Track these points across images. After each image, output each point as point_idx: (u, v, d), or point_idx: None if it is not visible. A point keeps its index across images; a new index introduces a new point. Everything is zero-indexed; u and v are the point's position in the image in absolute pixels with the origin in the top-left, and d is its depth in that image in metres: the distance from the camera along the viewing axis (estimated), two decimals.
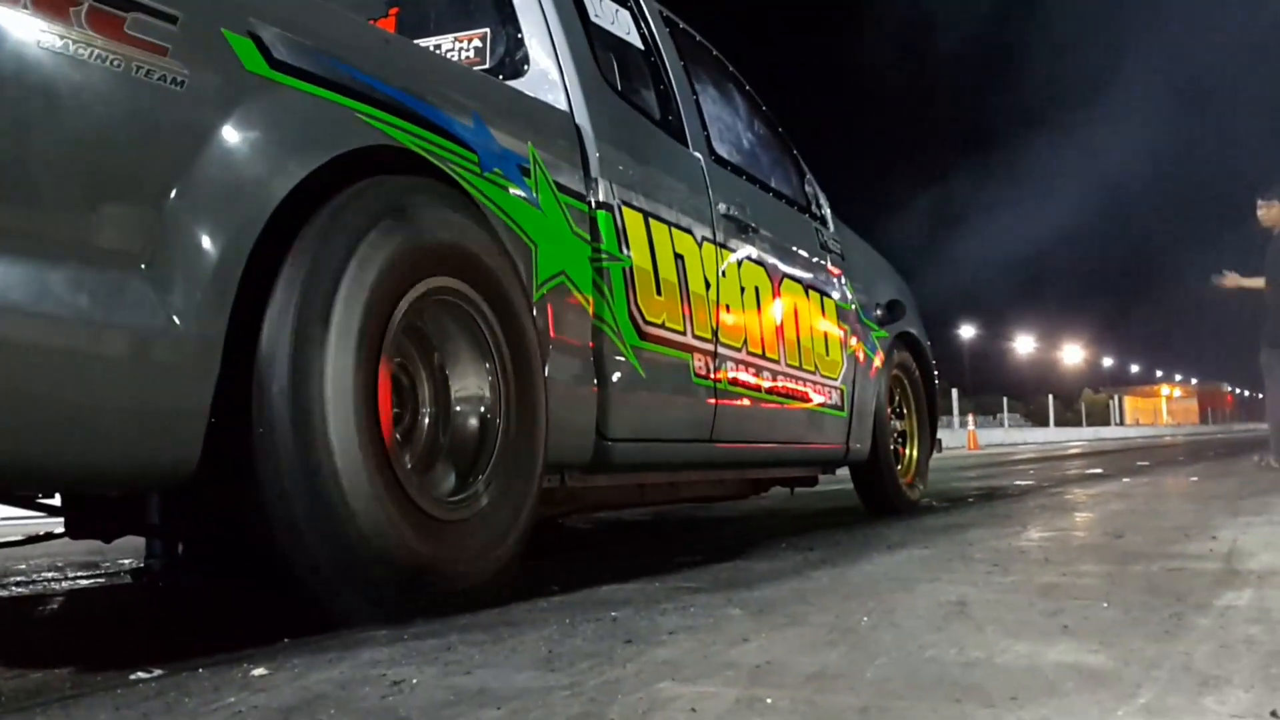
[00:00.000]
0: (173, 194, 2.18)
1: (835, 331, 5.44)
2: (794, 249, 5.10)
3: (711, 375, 4.14)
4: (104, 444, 2.09)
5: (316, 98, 2.57)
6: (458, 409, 2.91)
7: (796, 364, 4.91)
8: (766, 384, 4.61)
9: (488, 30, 3.86)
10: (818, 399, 5.14)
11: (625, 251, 3.64)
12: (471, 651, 2.16)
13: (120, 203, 2.12)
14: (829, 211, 5.80)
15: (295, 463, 2.33)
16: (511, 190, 3.17)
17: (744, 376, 4.40)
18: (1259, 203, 9.77)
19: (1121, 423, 77.02)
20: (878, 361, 5.92)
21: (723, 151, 4.66)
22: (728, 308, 4.30)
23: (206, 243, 2.21)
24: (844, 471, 5.93)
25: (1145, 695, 1.68)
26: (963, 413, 37.39)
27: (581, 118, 3.66)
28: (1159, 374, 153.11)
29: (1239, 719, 1.54)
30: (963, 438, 30.01)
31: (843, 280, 5.64)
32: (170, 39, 2.21)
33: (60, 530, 3.06)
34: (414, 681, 1.90)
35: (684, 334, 3.96)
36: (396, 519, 2.49)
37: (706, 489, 4.99)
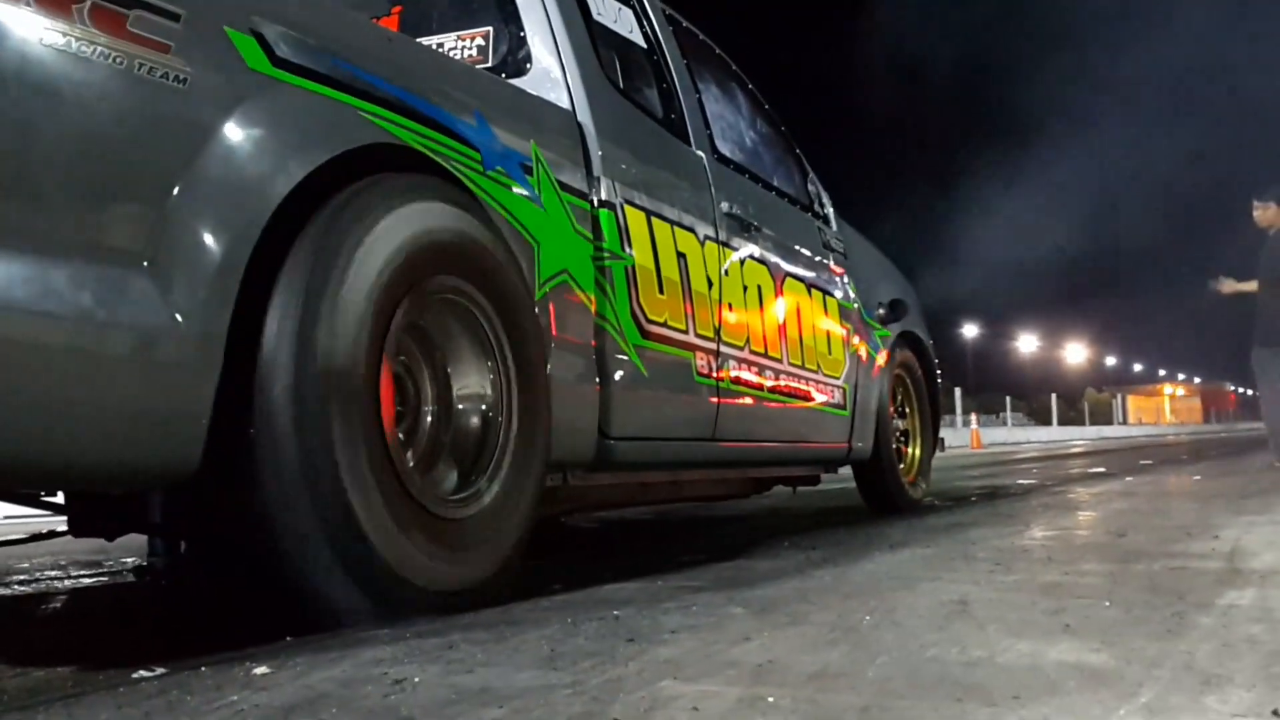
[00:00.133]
0: (175, 192, 2.18)
1: (838, 330, 5.44)
2: (797, 248, 5.10)
3: (714, 374, 4.14)
4: (106, 442, 2.09)
5: (319, 96, 2.57)
6: (460, 407, 2.91)
7: (799, 363, 4.90)
8: (769, 383, 4.61)
9: (490, 28, 3.86)
10: (820, 398, 5.14)
11: (628, 250, 3.64)
12: (474, 650, 2.15)
13: (123, 200, 2.12)
14: (832, 210, 5.80)
15: (297, 461, 2.33)
16: (514, 188, 3.17)
17: (746, 375, 4.40)
18: (1255, 203, 9.76)
19: (1125, 422, 77.00)
20: (880, 360, 5.92)
21: (725, 150, 4.66)
22: (730, 306, 4.30)
23: (209, 241, 2.21)
24: (846, 470, 5.93)
25: (1147, 694, 1.67)
26: (966, 411, 37.44)
27: (584, 116, 3.66)
28: (1162, 373, 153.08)
29: (1241, 718, 1.54)
30: (966, 437, 30.03)
31: (845, 279, 5.64)
32: (173, 36, 2.21)
33: (63, 528, 3.07)
34: (416, 680, 1.90)
35: (686, 333, 3.96)
36: (398, 517, 2.49)
37: (709, 488, 4.99)
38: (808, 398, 5.01)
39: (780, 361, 4.72)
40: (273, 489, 2.33)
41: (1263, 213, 9.73)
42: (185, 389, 2.18)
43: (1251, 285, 9.77)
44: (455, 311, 2.88)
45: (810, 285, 5.16)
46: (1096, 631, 2.17)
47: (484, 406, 2.93)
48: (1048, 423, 53.23)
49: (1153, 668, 1.84)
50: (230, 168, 2.29)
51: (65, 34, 2.03)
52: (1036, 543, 3.97)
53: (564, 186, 3.41)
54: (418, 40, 3.69)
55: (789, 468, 5.37)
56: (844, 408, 5.42)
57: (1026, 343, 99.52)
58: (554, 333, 3.26)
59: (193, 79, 2.25)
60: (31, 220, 1.98)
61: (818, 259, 5.36)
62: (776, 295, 4.76)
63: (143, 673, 2.10)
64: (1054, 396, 55.66)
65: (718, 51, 5.18)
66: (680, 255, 3.96)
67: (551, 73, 3.71)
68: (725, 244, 4.33)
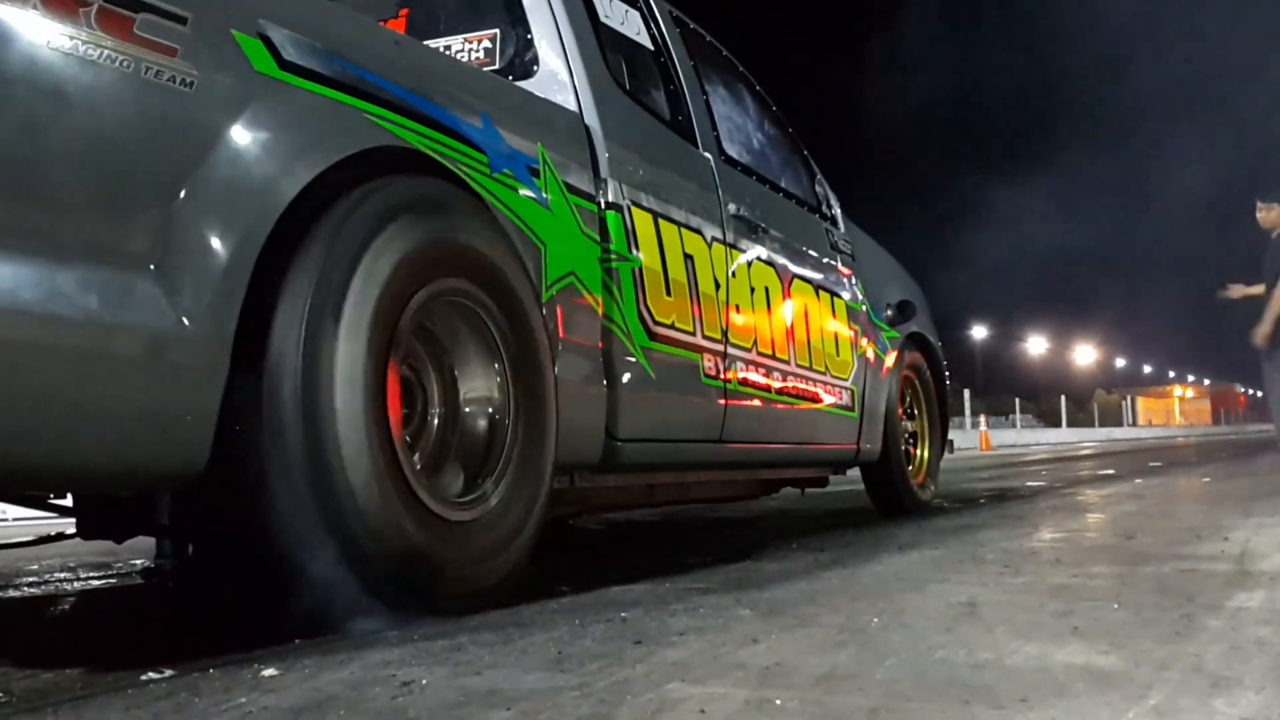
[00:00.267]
0: (182, 195, 2.18)
1: (846, 332, 5.43)
2: (804, 249, 5.10)
3: (721, 376, 4.13)
4: (113, 444, 2.09)
5: (326, 99, 2.57)
6: (467, 410, 2.91)
7: (807, 364, 4.90)
8: (777, 384, 4.61)
9: (497, 31, 3.86)
10: (828, 399, 5.13)
11: (635, 252, 3.63)
12: (481, 652, 2.16)
13: (129, 203, 2.13)
14: (839, 211, 5.79)
15: (305, 463, 2.33)
16: (521, 191, 3.17)
17: (754, 377, 4.40)
18: (1258, 204, 9.73)
19: (1134, 423, 76.87)
20: (888, 362, 5.91)
21: (733, 152, 4.66)
22: (737, 308, 4.29)
23: (216, 243, 2.22)
24: (855, 472, 5.92)
25: (1155, 697, 1.67)
26: (974, 413, 37.37)
27: (591, 118, 3.66)
28: (1171, 374, 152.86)
29: None
30: (974, 438, 29.97)
31: (853, 281, 5.63)
32: (180, 40, 2.22)
33: (71, 531, 3.07)
34: (424, 682, 1.90)
35: (694, 334, 3.95)
36: (405, 519, 2.49)
37: (716, 489, 4.99)
38: (815, 399, 5.01)
39: (788, 363, 4.71)
40: (280, 491, 2.33)
41: (1266, 214, 9.70)
42: (192, 391, 2.18)
43: (1260, 289, 9.75)
44: (462, 314, 2.88)
45: (818, 287, 5.16)
46: (1105, 634, 2.17)
47: (491, 409, 2.93)
48: (1057, 424, 53.15)
49: (1161, 670, 1.84)
50: (237, 171, 2.29)
51: (72, 37, 2.04)
52: (1045, 545, 3.97)
53: (571, 189, 3.41)
54: (425, 43, 3.69)
55: (797, 469, 5.37)
56: (852, 409, 5.41)
57: (1036, 344, 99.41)
58: (561, 335, 3.26)
59: (199, 82, 2.25)
60: (39, 223, 1.99)
61: (825, 260, 5.35)
62: (784, 297, 4.75)
63: (151, 674, 2.10)
64: (1063, 398, 55.59)
65: (725, 53, 5.18)
66: (687, 257, 3.96)
67: (558, 75, 3.71)
68: (732, 245, 4.32)
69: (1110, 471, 11.30)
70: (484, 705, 1.73)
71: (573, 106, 3.65)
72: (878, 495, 6.06)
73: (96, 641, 2.84)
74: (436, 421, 2.85)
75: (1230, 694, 1.67)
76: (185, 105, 2.22)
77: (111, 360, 2.06)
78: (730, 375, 4.19)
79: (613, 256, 3.53)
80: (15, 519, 7.63)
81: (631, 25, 4.29)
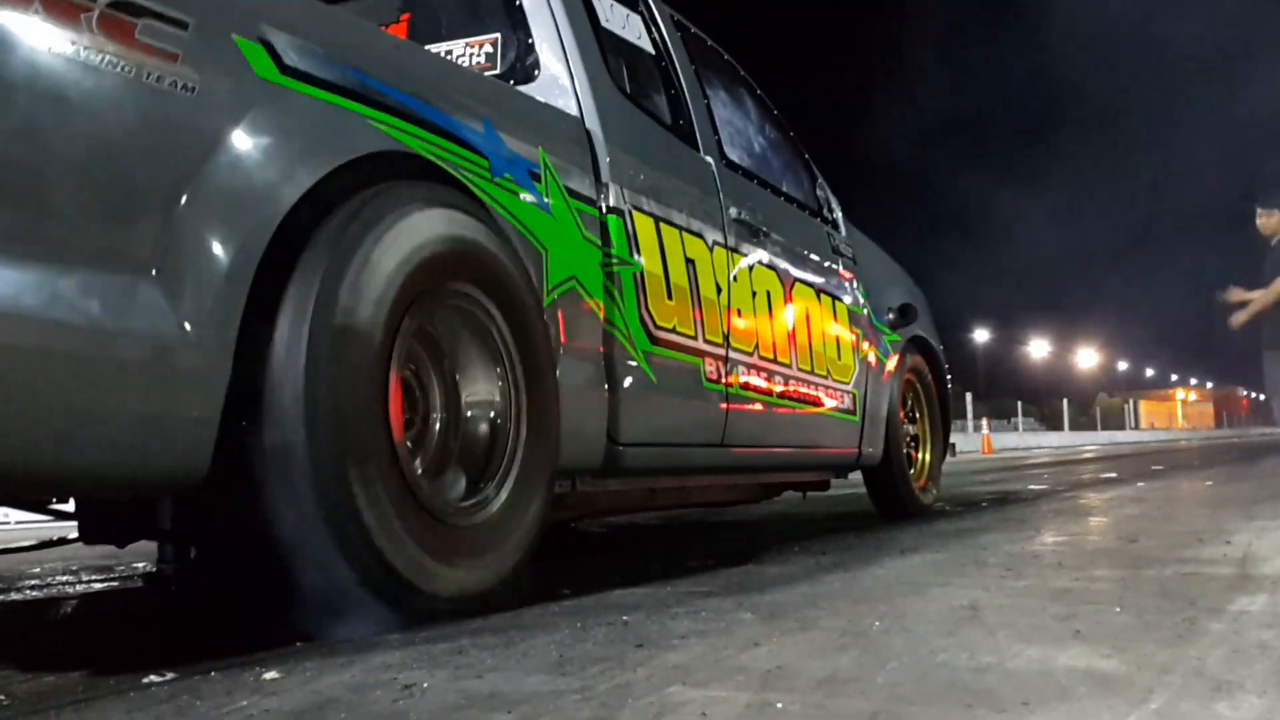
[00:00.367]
0: (183, 200, 2.18)
1: (847, 336, 5.43)
2: (806, 253, 5.10)
3: (723, 380, 4.13)
4: (115, 450, 2.09)
5: (327, 104, 2.57)
6: (468, 414, 2.92)
7: (808, 368, 4.90)
8: (778, 388, 4.61)
9: (498, 35, 3.87)
10: (830, 403, 5.13)
11: (636, 256, 3.64)
12: (483, 655, 2.16)
13: (131, 209, 2.13)
14: (841, 215, 5.79)
15: (307, 468, 2.33)
16: (522, 195, 3.17)
17: (755, 381, 4.40)
18: (1258, 211, 9.71)
19: (1136, 427, 76.84)
20: (890, 365, 5.91)
21: (734, 156, 4.66)
22: (739, 312, 4.30)
23: (217, 249, 2.22)
24: (857, 475, 5.92)
25: (1157, 700, 1.67)
26: (976, 416, 37.35)
27: (592, 122, 3.66)
28: (1174, 378, 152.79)
29: None
30: (976, 441, 29.98)
31: (855, 284, 5.63)
32: (181, 45, 2.22)
33: (74, 535, 3.07)
34: (425, 685, 1.90)
35: (695, 339, 3.96)
36: (407, 524, 2.49)
37: (718, 493, 4.99)
38: (817, 403, 5.01)
39: (789, 367, 4.71)
40: (281, 495, 2.34)
41: (1267, 220, 9.69)
42: (194, 397, 2.18)
43: (1258, 295, 9.73)
44: (464, 318, 2.88)
45: (819, 290, 5.16)
46: (1107, 637, 2.17)
47: (492, 413, 2.93)
48: (1059, 428, 53.13)
49: (1163, 674, 1.84)
50: (238, 176, 2.29)
51: (74, 43, 2.04)
52: (1047, 548, 3.97)
53: (572, 193, 3.41)
54: (426, 47, 3.69)
55: (798, 473, 5.37)
56: (853, 413, 5.41)
57: (1038, 347, 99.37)
58: (562, 339, 3.26)
59: (201, 87, 2.25)
60: (40, 228, 1.99)
61: (827, 264, 5.35)
62: (785, 301, 4.75)
63: (153, 678, 2.10)
64: (1065, 401, 55.56)
65: (726, 57, 5.18)
66: (689, 261, 3.96)
67: (559, 79, 3.71)
68: (734, 250, 4.33)
69: (1112, 475, 11.29)
70: (485, 708, 1.73)
71: (574, 111, 3.66)
72: (879, 499, 6.05)
73: (98, 644, 2.84)
74: (438, 426, 2.85)
75: (1232, 698, 1.67)
76: (187, 110, 2.23)
77: (113, 365, 2.06)
78: (732, 379, 4.19)
79: (614, 261, 3.53)
80: (17, 523, 7.64)
81: (632, 29, 4.29)
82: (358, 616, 2.44)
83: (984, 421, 35.01)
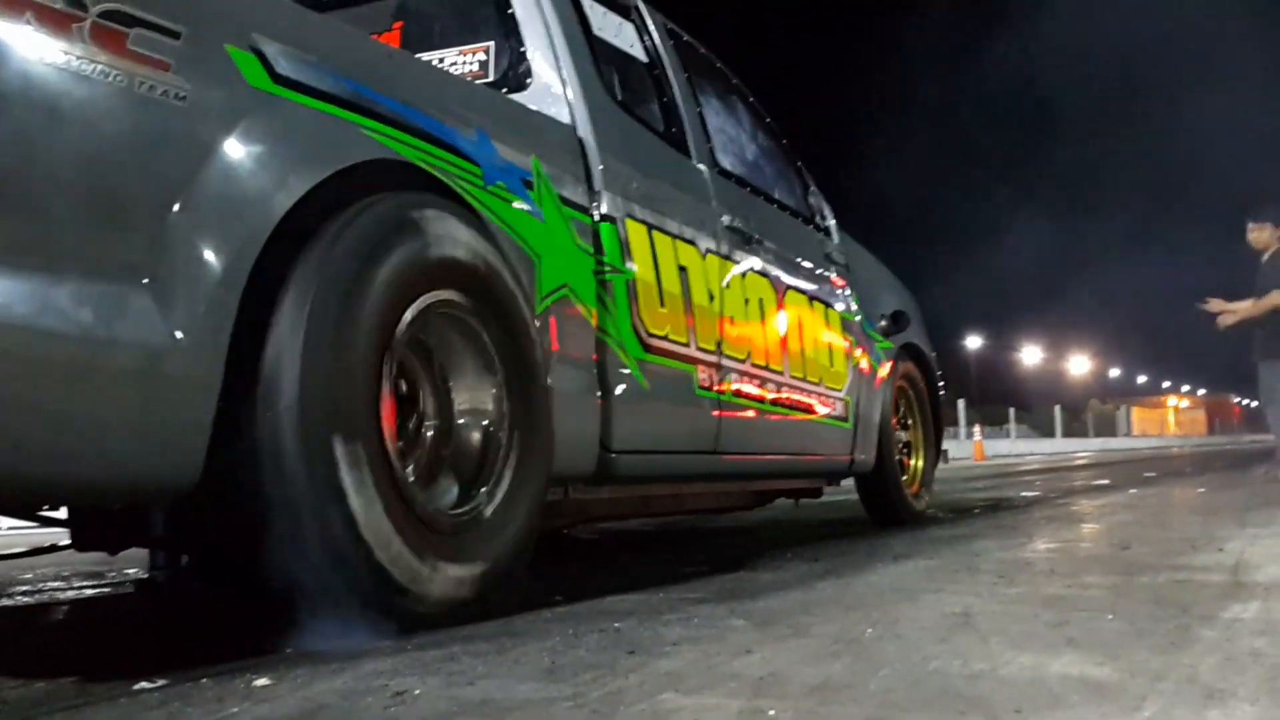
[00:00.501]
0: (175, 209, 2.18)
1: (839, 343, 5.44)
2: (798, 260, 5.11)
3: (715, 387, 4.14)
4: (106, 458, 2.09)
5: (320, 112, 2.57)
6: (460, 421, 2.91)
7: (801, 376, 4.90)
8: (771, 396, 4.61)
9: (491, 44, 3.87)
10: (822, 410, 5.14)
11: (629, 264, 3.64)
12: (474, 662, 2.16)
13: (123, 217, 2.13)
14: (833, 222, 5.80)
15: (299, 475, 2.33)
16: (515, 203, 3.17)
17: (748, 388, 4.40)
18: (1250, 224, 9.76)
19: (1129, 434, 76.87)
20: (882, 373, 5.91)
21: (726, 163, 4.66)
22: (731, 320, 4.30)
23: (209, 257, 2.22)
24: (849, 482, 5.93)
25: (1150, 708, 1.67)
26: (969, 423, 37.34)
27: (585, 131, 3.66)
28: (1166, 385, 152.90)
29: None
30: (969, 448, 29.98)
31: (847, 291, 5.64)
32: (173, 54, 2.22)
33: (66, 542, 3.07)
34: (416, 692, 1.90)
35: (688, 346, 3.96)
36: (399, 531, 2.49)
37: (711, 500, 4.99)
38: (810, 410, 5.01)
39: (782, 374, 4.72)
40: (274, 502, 2.33)
41: (1258, 234, 9.73)
42: (185, 405, 2.18)
43: (1243, 305, 9.77)
44: (456, 326, 2.88)
45: (812, 298, 5.17)
46: (1099, 644, 2.17)
47: (485, 421, 2.93)
48: (1051, 435, 53.12)
49: (1156, 681, 1.84)
50: (231, 184, 2.29)
51: (66, 53, 2.04)
52: (1040, 555, 3.97)
53: (565, 201, 3.41)
54: (419, 56, 3.69)
55: (791, 480, 5.37)
56: (846, 420, 5.41)
57: (1030, 354, 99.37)
58: (555, 347, 3.26)
59: (193, 96, 2.25)
60: (32, 237, 1.99)
61: (819, 271, 5.36)
62: (778, 308, 4.76)
63: (144, 684, 2.10)
64: (1057, 408, 55.56)
65: (719, 64, 5.19)
66: (681, 269, 3.97)
67: (552, 87, 3.71)
68: (726, 257, 4.33)
69: (1105, 482, 11.31)
70: (477, 715, 1.73)
71: (566, 119, 3.66)
72: (872, 505, 6.05)
73: (90, 651, 2.83)
74: (430, 433, 2.85)
75: (1225, 706, 1.68)
76: (178, 120, 2.22)
77: (104, 374, 2.06)
78: (724, 387, 4.20)
79: (607, 268, 3.53)
80: (9, 529, 7.62)
81: (625, 38, 4.30)
82: (349, 623, 2.43)
83: (976, 428, 34.98)
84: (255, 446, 2.33)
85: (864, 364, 5.69)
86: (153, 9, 2.20)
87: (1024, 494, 9.22)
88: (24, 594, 4.07)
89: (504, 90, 3.70)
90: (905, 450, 6.32)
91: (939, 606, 2.71)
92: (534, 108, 3.61)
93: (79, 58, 2.05)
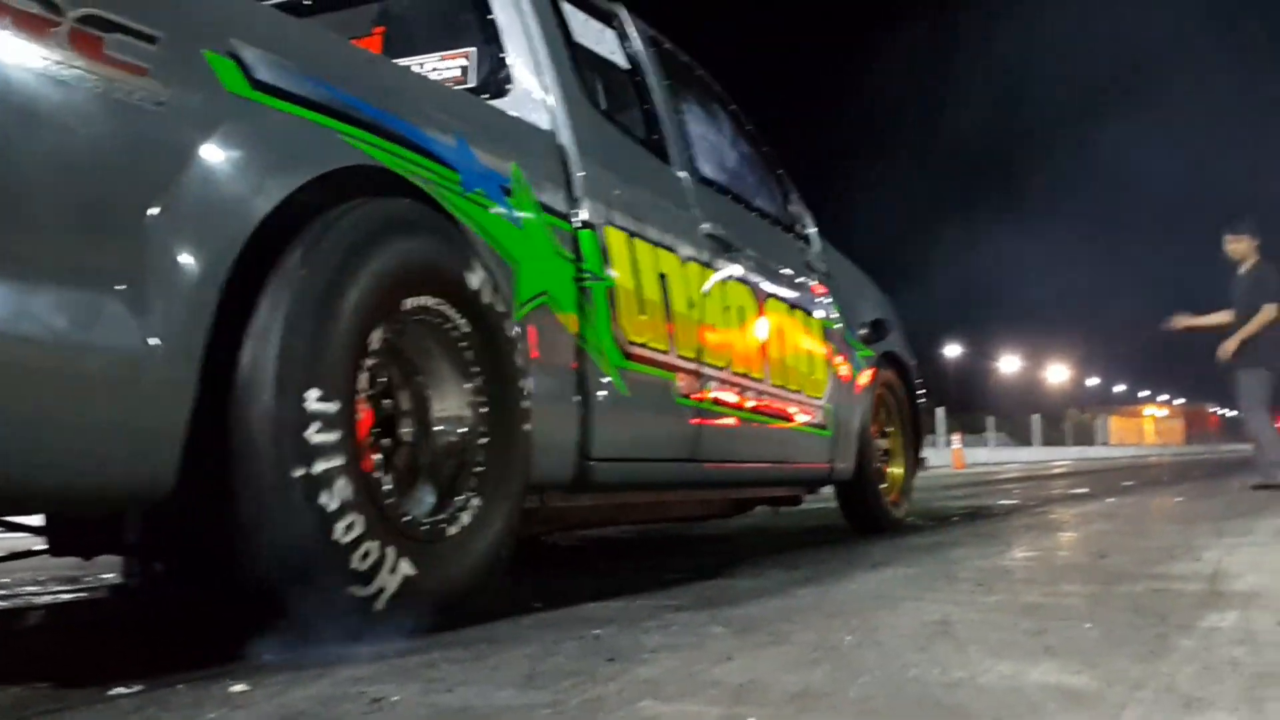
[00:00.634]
0: (151, 214, 2.17)
1: (819, 351, 5.44)
2: (778, 268, 5.11)
3: (695, 395, 4.13)
4: (80, 465, 2.08)
5: (298, 118, 2.56)
6: (438, 429, 2.90)
7: (781, 383, 4.90)
8: (750, 404, 4.61)
9: (472, 50, 3.86)
10: (802, 418, 5.14)
11: (608, 271, 3.63)
12: (453, 669, 2.15)
13: (99, 223, 2.11)
14: (814, 230, 5.81)
15: (275, 482, 2.31)
16: (494, 210, 3.16)
17: (728, 396, 4.40)
18: (1227, 237, 9.83)
19: (1106, 442, 77.17)
20: (862, 380, 5.92)
21: (707, 170, 4.66)
22: (712, 327, 4.30)
23: (185, 263, 2.20)
24: (829, 490, 5.93)
25: (1128, 717, 1.68)
26: (948, 431, 37.42)
27: (565, 137, 3.66)
28: (1143, 394, 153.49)
29: None
30: (948, 456, 30.03)
31: (827, 299, 5.64)
32: (150, 59, 2.21)
33: (42, 547, 3.05)
34: (395, 699, 1.89)
35: (667, 354, 3.95)
36: (375, 538, 2.47)
37: (690, 508, 4.99)
38: (789, 418, 5.01)
39: (762, 382, 4.72)
40: (249, 510, 2.32)
41: (1235, 245, 9.79)
42: (160, 411, 2.17)
43: (1213, 318, 9.84)
44: (434, 333, 2.86)
45: (792, 305, 5.17)
46: (1078, 653, 2.17)
47: (462, 428, 2.91)
48: (1030, 443, 53.30)
49: (1135, 690, 1.85)
50: (208, 190, 2.28)
51: (43, 57, 2.02)
52: (1018, 563, 3.98)
53: (545, 208, 3.41)
54: (398, 62, 3.68)
55: (771, 488, 5.38)
56: (826, 428, 5.42)
57: (1009, 363, 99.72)
58: (534, 354, 3.25)
59: (170, 102, 2.24)
60: (6, 243, 1.97)
61: (799, 279, 5.36)
62: (758, 316, 4.76)
63: (120, 689, 2.08)
64: (1036, 417, 55.77)
65: (700, 72, 5.19)
66: (661, 276, 3.96)
67: (533, 94, 3.71)
68: (707, 265, 4.33)
69: (1083, 490, 11.35)
70: None
71: (547, 125, 3.65)
72: (852, 513, 6.06)
73: (66, 655, 2.81)
74: (407, 441, 2.84)
75: (1203, 715, 1.68)
76: (155, 125, 2.21)
77: (78, 380, 2.04)
78: (704, 395, 4.19)
79: (586, 276, 3.52)
80: None
81: (606, 44, 4.30)
82: (327, 630, 2.42)
83: (955, 436, 35.06)
84: (230, 452, 2.32)
85: (844, 372, 5.70)
86: (130, 14, 2.18)
87: (1002, 502, 9.24)
88: None
89: (484, 96, 3.70)
90: (885, 458, 6.33)
91: (918, 614, 2.72)
92: (514, 114, 3.60)
93: (56, 62, 2.04)
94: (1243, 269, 9.75)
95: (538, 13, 3.80)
